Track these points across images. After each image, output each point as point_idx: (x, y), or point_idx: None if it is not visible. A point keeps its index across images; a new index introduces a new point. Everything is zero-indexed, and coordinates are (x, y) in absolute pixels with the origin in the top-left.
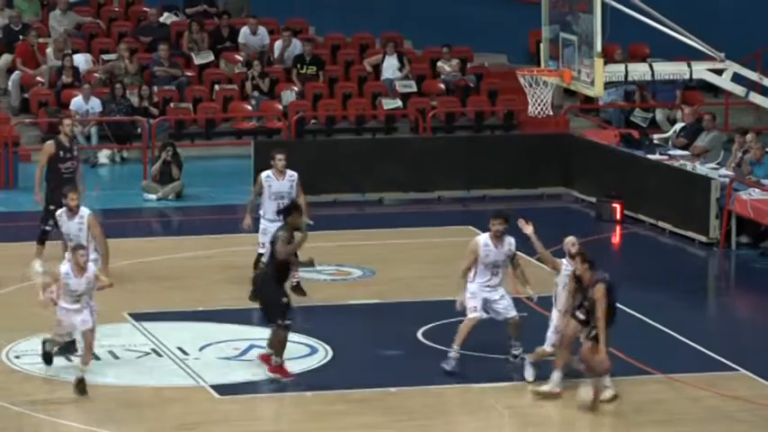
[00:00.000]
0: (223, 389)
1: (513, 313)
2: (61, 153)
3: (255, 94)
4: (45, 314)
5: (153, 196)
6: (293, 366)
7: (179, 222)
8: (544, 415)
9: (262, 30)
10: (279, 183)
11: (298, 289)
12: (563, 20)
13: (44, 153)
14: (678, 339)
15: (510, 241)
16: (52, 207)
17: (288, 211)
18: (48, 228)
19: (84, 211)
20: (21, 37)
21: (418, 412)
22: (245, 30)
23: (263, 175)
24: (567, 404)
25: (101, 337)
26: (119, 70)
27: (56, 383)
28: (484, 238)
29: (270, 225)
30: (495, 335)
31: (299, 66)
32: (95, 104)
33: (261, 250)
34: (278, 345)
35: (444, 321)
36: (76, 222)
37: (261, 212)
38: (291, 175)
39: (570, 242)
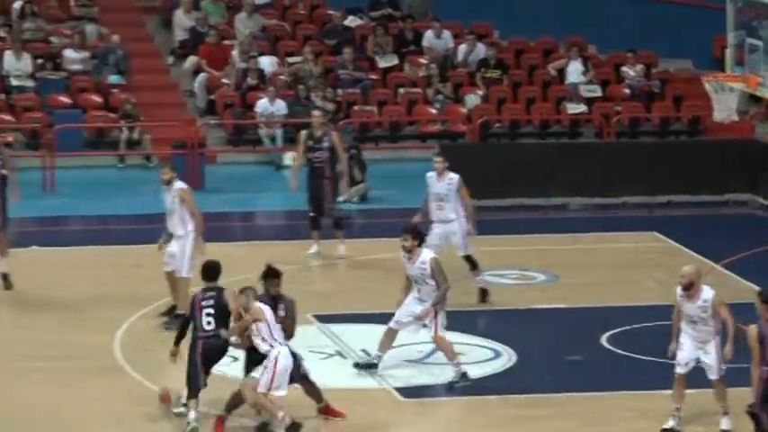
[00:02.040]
0: (407, 392)
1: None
2: (310, 143)
3: (440, 97)
4: None
5: (338, 198)
6: (476, 370)
7: (363, 225)
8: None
9: (446, 33)
10: (438, 184)
11: (483, 293)
12: (749, 25)
13: (300, 142)
14: None
15: (423, 260)
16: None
17: (264, 276)
18: (312, 213)
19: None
20: (207, 39)
21: (601, 417)
22: (429, 33)
23: (427, 174)
24: None
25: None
26: (303, 73)
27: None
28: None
29: (434, 225)
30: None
31: (483, 69)
32: (280, 106)
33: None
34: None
35: (629, 327)
36: (171, 196)
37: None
38: (451, 178)
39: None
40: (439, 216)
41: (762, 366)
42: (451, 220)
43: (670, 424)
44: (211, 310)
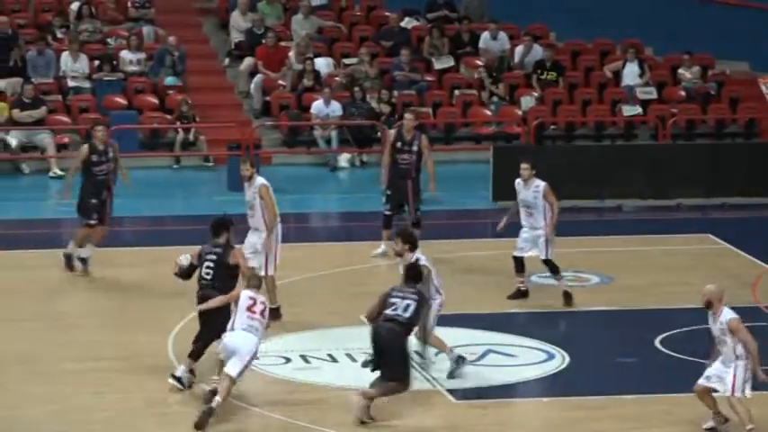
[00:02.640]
0: (460, 393)
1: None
2: (399, 144)
3: (495, 99)
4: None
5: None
6: (529, 372)
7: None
8: None
9: (502, 35)
10: (525, 191)
11: (568, 296)
12: None
13: (386, 140)
14: None
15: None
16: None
17: (415, 275)
18: (388, 212)
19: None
20: (263, 41)
21: (655, 420)
22: (485, 35)
23: (516, 181)
24: None
25: (339, 339)
26: (359, 74)
27: (293, 385)
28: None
29: (523, 230)
30: None
31: (539, 71)
32: (336, 108)
33: (516, 253)
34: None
35: (683, 329)
36: (251, 192)
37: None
38: (537, 185)
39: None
40: (529, 222)
41: None
42: (540, 227)
43: (710, 424)
44: (212, 264)
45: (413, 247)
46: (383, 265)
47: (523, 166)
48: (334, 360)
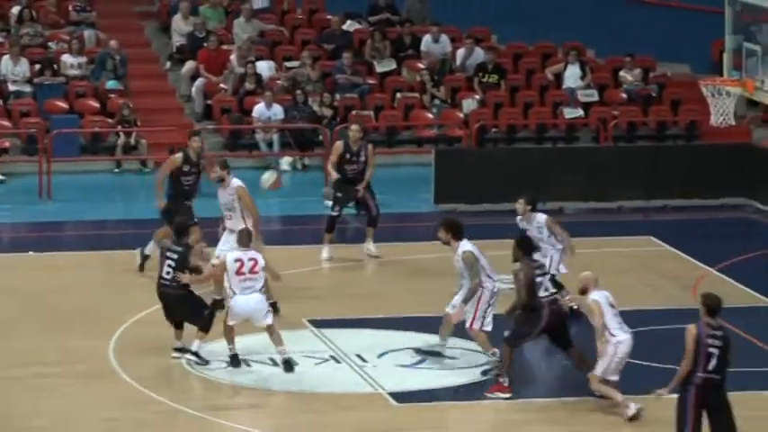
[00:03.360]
0: (401, 396)
1: None
2: (347, 156)
3: (437, 102)
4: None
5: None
6: (473, 374)
7: (358, 229)
8: None
9: (444, 38)
10: (529, 227)
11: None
12: (747, 29)
13: (333, 152)
14: None
15: (458, 253)
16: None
17: (528, 245)
18: (336, 213)
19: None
20: (205, 44)
21: (597, 423)
22: (427, 38)
23: (516, 218)
24: None
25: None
26: (301, 77)
27: (234, 389)
28: None
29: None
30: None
31: (480, 74)
32: (277, 111)
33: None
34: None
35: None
36: (228, 195)
37: None
38: (538, 221)
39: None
40: (540, 251)
41: (696, 372)
42: (550, 255)
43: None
44: (173, 263)
45: (457, 235)
46: (326, 268)
47: (519, 201)
48: (275, 364)
